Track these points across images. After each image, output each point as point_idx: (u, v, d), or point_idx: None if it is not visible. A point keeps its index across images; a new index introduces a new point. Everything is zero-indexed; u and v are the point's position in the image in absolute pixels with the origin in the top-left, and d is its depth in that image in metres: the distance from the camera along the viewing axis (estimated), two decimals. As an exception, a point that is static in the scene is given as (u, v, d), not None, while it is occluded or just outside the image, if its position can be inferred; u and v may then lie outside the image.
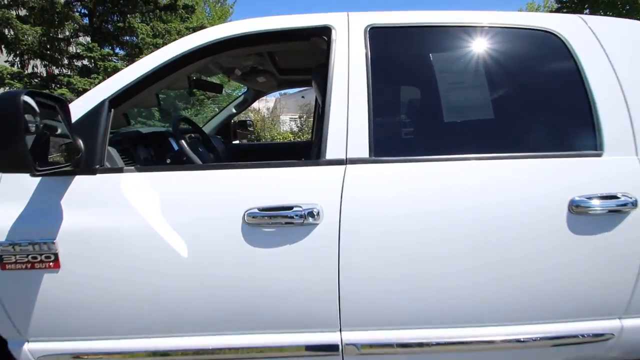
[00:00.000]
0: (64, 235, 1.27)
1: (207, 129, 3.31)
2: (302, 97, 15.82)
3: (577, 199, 1.27)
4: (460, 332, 1.34)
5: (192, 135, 2.33)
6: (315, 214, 1.26)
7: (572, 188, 1.29)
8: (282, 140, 10.58)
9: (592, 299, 1.33)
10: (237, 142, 3.53)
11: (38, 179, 1.31)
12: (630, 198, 1.27)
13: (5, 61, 10.18)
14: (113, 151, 1.52)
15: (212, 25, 5.85)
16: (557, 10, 12.03)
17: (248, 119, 6.60)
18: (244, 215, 1.27)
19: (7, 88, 9.70)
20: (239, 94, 3.95)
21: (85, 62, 10.47)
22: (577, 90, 1.38)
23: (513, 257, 1.29)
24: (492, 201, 1.29)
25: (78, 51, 10.12)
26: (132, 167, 1.36)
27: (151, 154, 2.12)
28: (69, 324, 1.34)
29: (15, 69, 10.04)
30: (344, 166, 1.32)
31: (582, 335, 1.34)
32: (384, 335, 1.34)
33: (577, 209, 1.27)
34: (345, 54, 1.40)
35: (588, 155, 1.33)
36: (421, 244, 1.28)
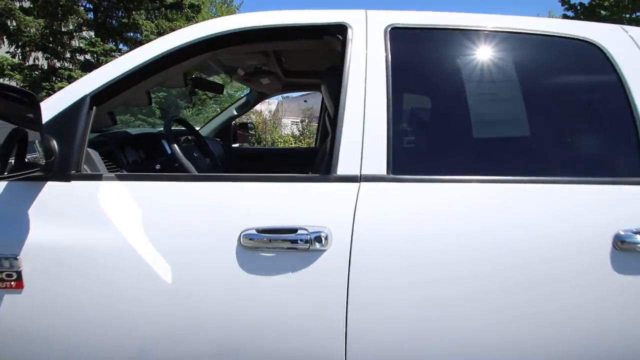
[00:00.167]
0: (29, 251, 1.10)
1: (207, 130, 3.19)
2: (305, 101, 15.73)
3: (622, 233, 1.11)
4: None
5: (188, 137, 2.16)
6: (323, 238, 1.08)
7: (616, 220, 1.12)
8: (284, 146, 10.43)
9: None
10: (236, 145, 3.37)
11: (3, 183, 1.14)
12: None
13: (7, 52, 10.08)
14: (95, 154, 1.35)
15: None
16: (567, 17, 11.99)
17: (249, 121, 6.46)
18: (240, 236, 1.09)
19: (7, 79, 9.60)
20: (241, 95, 3.79)
21: (88, 56, 10.39)
22: (620, 107, 1.23)
23: (548, 299, 1.10)
24: (532, 235, 1.11)
25: (81, 45, 10.04)
26: (113, 175, 1.19)
27: (141, 157, 1.95)
28: (31, 356, 1.15)
29: (16, 60, 9.94)
30: (357, 184, 1.14)
31: None
32: None
33: (622, 244, 1.10)
34: (362, 57, 1.24)
35: (634, 183, 1.17)
36: (445, 282, 1.10)
